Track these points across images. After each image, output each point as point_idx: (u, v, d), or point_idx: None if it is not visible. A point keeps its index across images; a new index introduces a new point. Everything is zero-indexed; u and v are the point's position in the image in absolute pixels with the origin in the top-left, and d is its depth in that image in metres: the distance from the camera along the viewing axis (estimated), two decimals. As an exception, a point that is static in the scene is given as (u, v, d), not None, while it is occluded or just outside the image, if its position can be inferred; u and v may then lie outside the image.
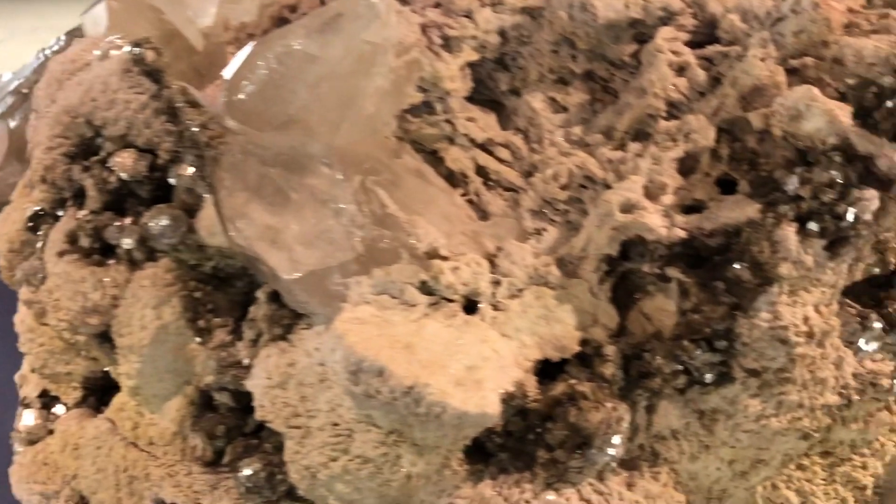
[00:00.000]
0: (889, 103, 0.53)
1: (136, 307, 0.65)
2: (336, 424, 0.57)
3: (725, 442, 0.58)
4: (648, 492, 0.57)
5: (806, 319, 0.54)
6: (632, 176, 0.60)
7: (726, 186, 0.60)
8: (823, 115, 0.54)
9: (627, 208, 0.59)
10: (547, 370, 0.60)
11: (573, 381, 0.55)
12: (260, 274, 0.62)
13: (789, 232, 0.53)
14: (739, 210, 0.56)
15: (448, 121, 0.69)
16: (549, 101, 0.70)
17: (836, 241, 0.54)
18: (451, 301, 0.59)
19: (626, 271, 0.61)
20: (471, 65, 0.71)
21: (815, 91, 0.56)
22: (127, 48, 0.66)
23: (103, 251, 0.68)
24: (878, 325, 0.56)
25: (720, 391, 0.56)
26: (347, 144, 0.64)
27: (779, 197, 0.55)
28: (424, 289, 0.58)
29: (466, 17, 0.71)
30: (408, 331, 0.56)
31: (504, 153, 0.69)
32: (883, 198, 0.54)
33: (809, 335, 0.55)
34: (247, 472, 0.61)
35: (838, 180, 0.53)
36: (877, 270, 0.56)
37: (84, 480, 0.71)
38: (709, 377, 0.55)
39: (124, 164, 0.65)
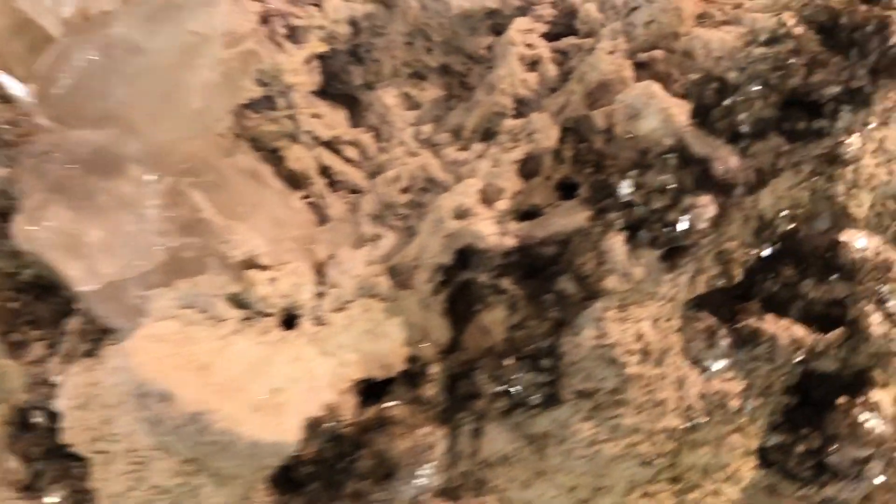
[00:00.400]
0: (728, 101, 0.48)
1: (-59, 320, 0.60)
2: (133, 451, 0.52)
3: (560, 468, 0.53)
4: (469, 524, 0.52)
5: (639, 336, 0.50)
6: (468, 179, 0.55)
7: (570, 191, 0.55)
8: (659, 114, 0.49)
9: (460, 214, 0.54)
10: (374, 389, 0.55)
11: (387, 405, 0.50)
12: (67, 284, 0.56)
13: (616, 242, 0.49)
14: (570, 217, 0.51)
15: (291, 117, 0.64)
16: (403, 97, 0.65)
17: (672, 252, 0.49)
18: (267, 315, 0.54)
19: (464, 282, 0.56)
20: (321, 57, 0.66)
21: (655, 87, 0.51)
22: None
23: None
24: (725, 341, 0.52)
25: (549, 414, 0.51)
26: (170, 142, 0.59)
27: (610, 203, 0.50)
28: (236, 302, 0.54)
29: (314, 5, 0.66)
30: (209, 349, 0.51)
31: (352, 152, 0.64)
32: (724, 204, 0.49)
33: (645, 353, 0.50)
34: (51, 499, 0.56)
35: (671, 185, 0.48)
36: (721, 282, 0.52)
37: None
38: (535, 399, 0.51)
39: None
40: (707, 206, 0.48)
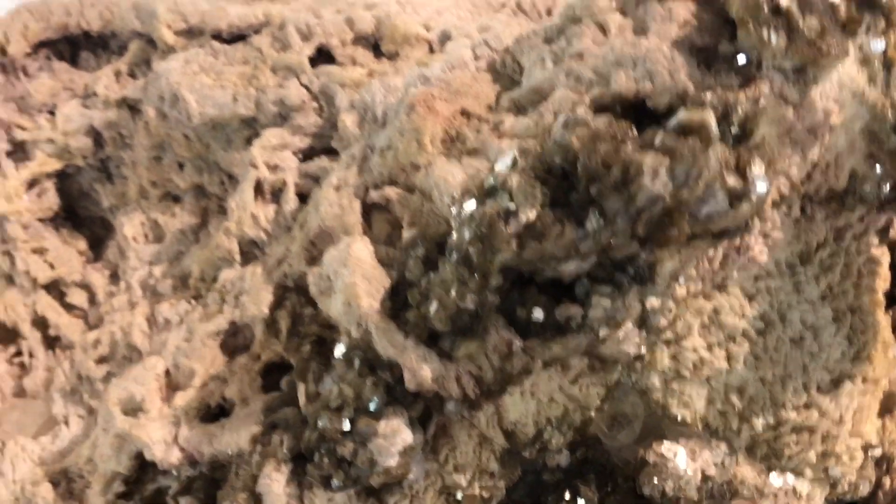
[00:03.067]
0: (424, 281, 0.33)
1: None
2: None
3: None
4: None
5: None
6: (150, 358, 0.41)
7: (280, 376, 0.40)
8: (344, 292, 0.34)
9: (130, 409, 0.40)
10: None
11: None
12: None
13: (275, 478, 0.34)
14: (237, 433, 0.36)
15: (6, 253, 0.51)
16: (150, 225, 0.52)
17: (367, 493, 0.34)
18: None
19: (153, 494, 0.41)
20: (63, 173, 0.54)
21: (357, 249, 0.36)
22: None
23: None
24: None
25: None
26: None
27: (285, 420, 0.35)
28: None
29: (50, 113, 0.53)
30: None
31: (79, 297, 0.51)
32: (442, 423, 0.34)
33: None
34: None
35: (348, 398, 0.33)
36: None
37: None
38: None
39: None
40: (393, 434, 0.32)
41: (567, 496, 0.39)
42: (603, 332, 0.33)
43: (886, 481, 0.43)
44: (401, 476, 0.33)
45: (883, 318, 0.41)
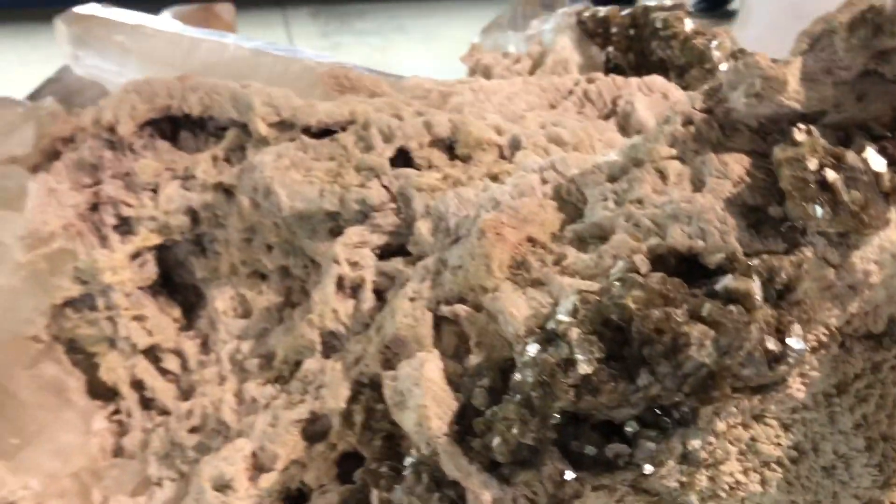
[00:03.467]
0: (490, 411, 0.37)
1: None
2: None
3: None
4: None
5: None
6: (238, 440, 0.47)
7: (354, 465, 0.45)
8: (416, 412, 0.39)
9: (220, 486, 0.45)
10: None
11: None
12: None
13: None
14: (314, 525, 0.41)
15: (110, 319, 0.57)
16: (239, 300, 0.57)
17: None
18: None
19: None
20: (162, 246, 0.60)
21: (428, 368, 0.41)
22: None
23: None
24: None
25: None
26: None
27: (356, 514, 0.40)
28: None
29: (153, 191, 0.59)
30: None
31: (172, 363, 0.57)
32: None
33: None
34: None
35: (419, 514, 0.38)
36: None
37: None
38: None
39: None
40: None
41: None
42: (647, 470, 0.37)
43: None
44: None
45: (914, 448, 0.44)
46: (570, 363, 0.35)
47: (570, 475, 0.37)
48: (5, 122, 0.83)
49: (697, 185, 0.41)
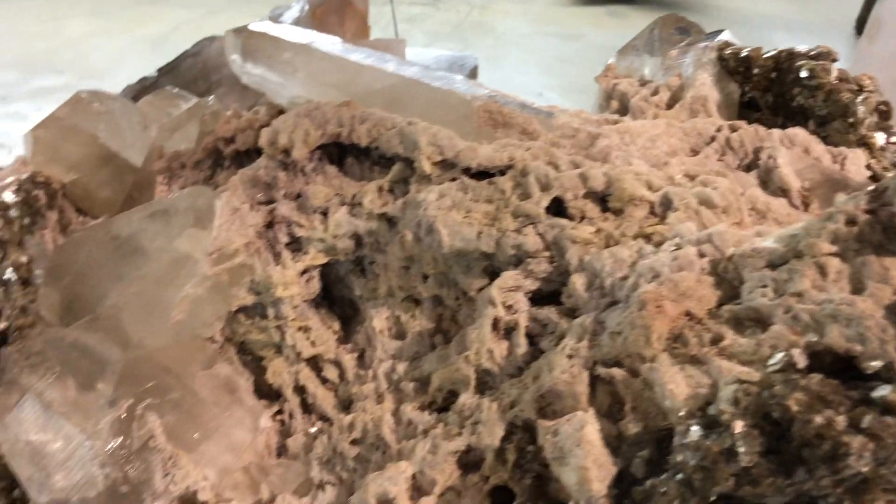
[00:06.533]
0: (648, 482, 0.42)
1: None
2: None
3: None
4: None
5: None
6: (401, 462, 0.53)
7: (504, 498, 0.51)
8: (578, 472, 0.44)
9: (384, 502, 0.51)
10: None
11: None
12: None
13: None
14: (473, 553, 0.47)
15: (279, 328, 0.64)
16: (394, 321, 0.63)
17: None
18: (191, 557, 0.55)
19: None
20: (326, 265, 0.66)
21: (588, 431, 0.45)
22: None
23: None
24: None
25: None
26: (149, 352, 0.61)
27: (512, 552, 0.45)
28: (164, 540, 0.55)
29: (322, 214, 0.65)
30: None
31: (332, 372, 0.63)
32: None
33: None
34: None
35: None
36: None
37: None
38: None
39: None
40: None
41: None
42: (792, 552, 0.40)
43: None
44: None
45: None
46: (732, 454, 0.39)
47: (717, 546, 0.41)
48: (170, 117, 0.90)
49: (856, 285, 0.44)
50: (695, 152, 0.71)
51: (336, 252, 0.63)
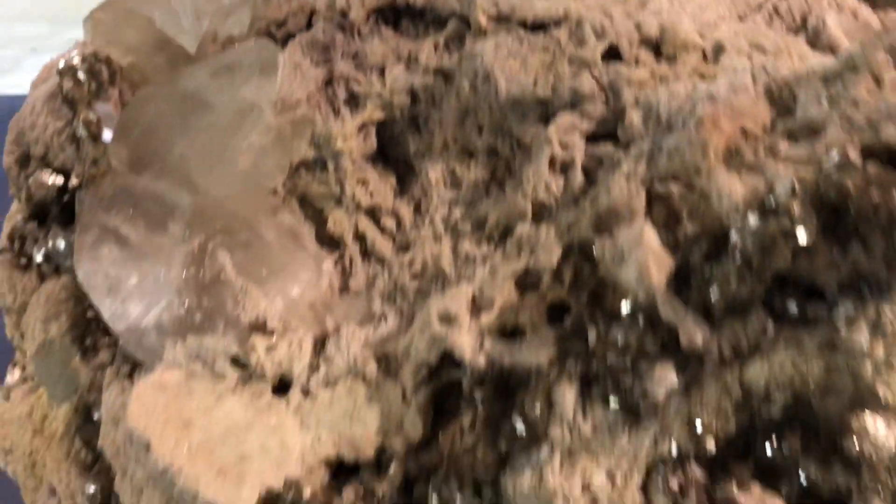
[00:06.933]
0: (707, 269, 0.44)
1: (30, 318, 0.71)
2: (134, 478, 0.59)
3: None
4: None
5: (587, 487, 0.48)
6: (462, 283, 0.55)
7: (561, 313, 0.53)
8: (637, 266, 0.46)
9: (446, 319, 0.54)
10: (343, 469, 0.58)
11: (333, 485, 0.53)
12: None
13: (567, 393, 0.47)
14: (535, 353, 0.50)
15: (338, 181, 0.66)
16: (449, 173, 0.65)
17: (631, 411, 0.47)
18: (262, 379, 0.58)
19: (448, 383, 0.56)
20: (382, 122, 0.68)
21: (648, 233, 0.48)
22: (56, 77, 0.70)
23: (29, 258, 0.74)
24: (692, 508, 0.48)
25: (492, 543, 0.51)
26: (218, 199, 0.64)
27: (573, 349, 0.48)
28: (237, 362, 0.58)
29: (380, 71, 0.67)
30: (199, 405, 0.56)
31: (389, 222, 0.66)
32: (694, 374, 0.46)
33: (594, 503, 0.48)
34: (90, 489, 0.65)
35: (633, 346, 0.45)
36: (688, 448, 0.48)
37: (8, 453, 0.80)
38: (475, 524, 0.51)
39: (39, 182, 0.70)
40: (663, 377, 0.44)
41: (775, 441, 0.50)
42: (843, 330, 0.43)
43: None
44: (661, 405, 0.45)
45: None
46: (789, 234, 0.41)
47: (771, 328, 0.43)
48: (222, 5, 0.92)
49: (911, 90, 0.45)
50: (741, 20, 0.72)
51: (392, 108, 0.65)
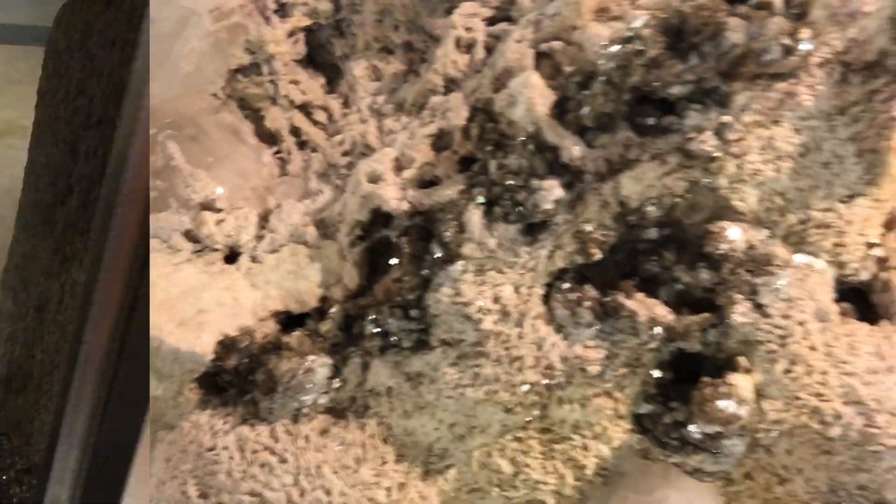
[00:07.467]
0: (581, 95, 0.53)
1: None
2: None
3: (436, 405, 0.61)
4: (344, 439, 0.62)
5: (497, 299, 0.57)
6: (386, 148, 0.64)
7: (471, 163, 0.62)
8: (525, 103, 0.55)
9: (373, 178, 0.62)
10: (293, 320, 0.65)
11: (282, 332, 0.61)
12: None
13: (474, 214, 0.56)
14: (448, 190, 0.58)
15: (272, 82, 0.74)
16: (371, 69, 0.74)
17: (530, 228, 0.56)
18: (214, 250, 0.66)
19: (380, 238, 0.64)
20: (310, 30, 0.76)
21: (533, 78, 0.56)
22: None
23: None
24: (588, 312, 0.57)
25: (422, 357, 0.60)
26: (163, 100, 0.71)
27: (478, 180, 0.57)
28: (190, 237, 0.66)
29: (304, -17, 0.75)
30: (159, 273, 0.63)
31: (321, 116, 0.74)
32: (577, 189, 0.55)
33: (503, 314, 0.57)
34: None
35: (524, 168, 0.54)
36: (580, 259, 0.57)
37: None
38: (407, 343, 0.59)
39: None
40: (551, 189, 0.53)
41: (653, 259, 0.59)
42: (692, 135, 0.52)
43: (883, 275, 0.61)
44: (551, 216, 0.54)
45: (893, 159, 0.59)
46: (641, 52, 0.51)
47: (635, 139, 0.52)
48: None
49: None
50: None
51: (318, 15, 0.73)
